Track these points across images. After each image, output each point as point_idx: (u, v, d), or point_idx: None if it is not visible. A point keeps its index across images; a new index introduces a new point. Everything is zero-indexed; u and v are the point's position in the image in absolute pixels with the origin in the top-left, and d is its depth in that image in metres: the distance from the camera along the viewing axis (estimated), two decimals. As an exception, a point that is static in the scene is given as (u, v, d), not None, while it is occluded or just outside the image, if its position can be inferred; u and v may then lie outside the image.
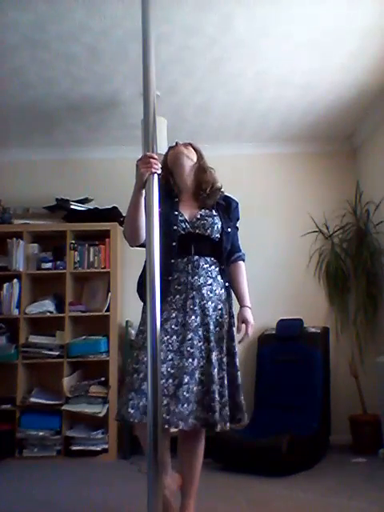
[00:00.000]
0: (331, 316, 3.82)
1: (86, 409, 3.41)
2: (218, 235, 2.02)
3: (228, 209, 2.13)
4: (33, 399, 3.45)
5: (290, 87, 3.36)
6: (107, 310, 3.63)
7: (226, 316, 2.03)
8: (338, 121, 3.85)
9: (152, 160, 1.71)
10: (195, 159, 2.15)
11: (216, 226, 2.02)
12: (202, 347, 1.87)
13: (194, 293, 1.92)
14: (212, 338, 1.90)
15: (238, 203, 2.19)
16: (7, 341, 3.61)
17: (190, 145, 2.19)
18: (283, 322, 3.74)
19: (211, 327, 1.92)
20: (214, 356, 1.87)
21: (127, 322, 3.68)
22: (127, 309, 3.81)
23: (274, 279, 3.96)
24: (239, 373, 1.99)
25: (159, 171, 1.73)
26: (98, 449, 3.38)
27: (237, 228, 2.18)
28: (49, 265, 3.72)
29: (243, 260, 2.27)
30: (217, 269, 2.04)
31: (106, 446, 3.39)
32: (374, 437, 3.26)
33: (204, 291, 1.95)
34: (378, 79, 3.26)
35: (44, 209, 3.85)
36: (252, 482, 2.70)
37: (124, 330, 3.66)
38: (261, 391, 3.63)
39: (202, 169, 2.15)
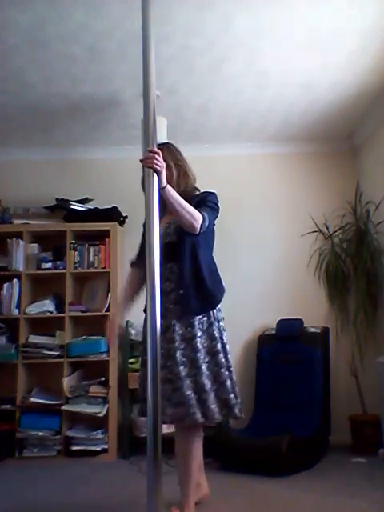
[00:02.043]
0: (331, 316, 3.82)
1: (86, 409, 3.41)
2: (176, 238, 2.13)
3: (199, 202, 2.16)
4: (33, 399, 3.45)
5: (290, 87, 3.36)
6: (107, 310, 3.63)
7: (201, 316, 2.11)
8: (338, 121, 3.85)
9: (151, 154, 1.72)
10: (172, 164, 2.17)
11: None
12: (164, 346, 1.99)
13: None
14: (176, 338, 2.04)
15: (208, 192, 2.23)
16: (7, 341, 3.61)
17: (166, 147, 2.18)
18: (283, 321, 3.74)
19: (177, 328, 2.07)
20: (178, 354, 2.01)
21: (127, 322, 3.67)
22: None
23: (273, 279, 3.96)
24: (224, 370, 2.06)
25: (159, 167, 1.74)
26: (98, 449, 3.38)
27: (208, 207, 2.16)
28: (49, 265, 3.72)
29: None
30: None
31: (105, 446, 3.39)
32: (374, 437, 3.26)
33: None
34: (378, 79, 3.26)
35: (44, 209, 3.85)
36: (252, 482, 2.70)
37: (124, 330, 3.66)
38: (261, 391, 3.63)
39: (178, 176, 2.19)
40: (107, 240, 3.73)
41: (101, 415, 3.40)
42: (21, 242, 3.69)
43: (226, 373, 2.06)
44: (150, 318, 1.61)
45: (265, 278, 3.97)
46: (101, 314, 3.63)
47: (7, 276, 3.66)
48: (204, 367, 2.01)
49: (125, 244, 3.91)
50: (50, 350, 3.54)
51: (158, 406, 1.57)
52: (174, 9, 2.56)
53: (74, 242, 3.73)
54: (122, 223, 3.90)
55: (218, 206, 2.21)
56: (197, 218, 2.02)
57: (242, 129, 3.95)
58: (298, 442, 2.97)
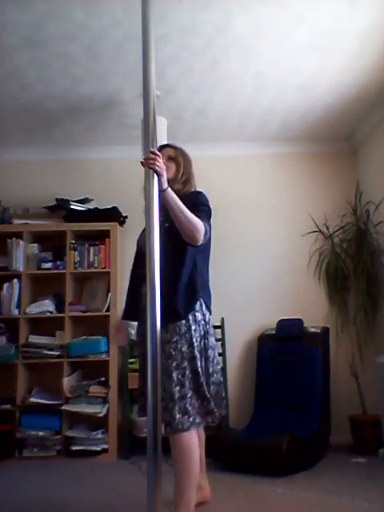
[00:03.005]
0: (331, 316, 3.82)
1: (86, 409, 3.41)
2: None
3: (193, 205, 2.05)
4: (33, 399, 3.45)
5: (290, 88, 3.36)
6: (107, 310, 3.63)
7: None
8: (338, 121, 3.85)
9: (151, 156, 1.74)
10: (173, 169, 2.17)
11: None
12: None
13: None
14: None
15: (198, 192, 2.17)
16: (7, 341, 3.61)
17: (180, 150, 2.23)
18: (283, 321, 3.74)
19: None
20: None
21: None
22: (127, 309, 3.80)
23: (274, 279, 3.96)
24: (200, 377, 1.96)
25: (158, 169, 1.75)
26: (98, 449, 3.38)
27: (203, 212, 2.07)
28: (49, 265, 3.72)
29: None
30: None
31: (105, 446, 3.39)
32: (374, 437, 3.26)
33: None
34: (378, 80, 3.26)
35: (44, 209, 3.85)
36: (252, 482, 2.70)
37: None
38: (261, 391, 3.63)
39: (181, 177, 2.18)
40: (107, 240, 3.73)
41: (101, 415, 3.40)
42: (21, 242, 3.69)
43: (203, 379, 1.96)
44: (149, 317, 1.61)
45: (265, 277, 3.97)
46: (101, 313, 3.63)
47: (7, 276, 3.66)
48: (174, 375, 1.93)
49: (125, 244, 3.91)
50: (50, 350, 3.54)
51: (158, 406, 1.57)
52: (173, 9, 2.56)
53: (74, 242, 3.73)
54: (122, 223, 3.90)
55: (210, 209, 2.13)
56: (199, 228, 1.96)
57: (241, 129, 3.95)
58: (298, 441, 2.97)
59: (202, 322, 2.04)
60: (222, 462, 3.07)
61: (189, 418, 1.91)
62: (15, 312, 3.61)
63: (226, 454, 3.10)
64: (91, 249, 3.73)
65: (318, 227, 3.96)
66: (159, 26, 2.63)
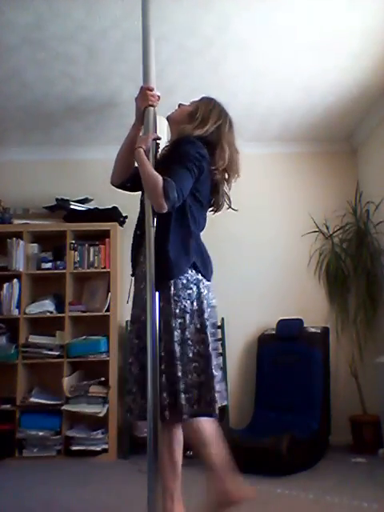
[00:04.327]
0: (331, 316, 3.81)
1: (86, 409, 3.41)
2: None
3: (171, 154, 1.80)
4: (33, 399, 3.45)
5: (290, 88, 3.35)
6: (107, 310, 3.63)
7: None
8: (338, 121, 3.85)
9: (148, 92, 1.76)
10: (186, 110, 1.97)
11: None
12: None
13: None
14: None
15: (184, 141, 1.80)
16: (7, 341, 3.61)
17: (200, 100, 2.02)
18: (283, 321, 3.74)
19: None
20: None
21: (127, 321, 3.67)
22: (127, 309, 3.78)
23: (274, 279, 3.96)
24: (167, 361, 1.64)
25: (156, 104, 1.78)
26: (98, 449, 3.38)
27: (181, 165, 1.71)
28: (49, 265, 3.72)
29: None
30: None
31: (105, 446, 3.39)
32: (374, 437, 3.26)
33: None
34: (378, 80, 3.26)
35: (44, 209, 3.85)
36: (252, 482, 2.69)
37: (124, 330, 3.66)
38: (261, 391, 3.62)
39: (195, 124, 1.87)
40: (107, 240, 3.73)
41: (101, 415, 3.40)
42: (21, 242, 3.69)
43: (164, 366, 1.62)
44: (149, 318, 1.61)
45: (265, 277, 3.97)
46: (101, 314, 3.63)
47: (7, 276, 3.66)
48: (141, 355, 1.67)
49: (125, 244, 3.90)
50: (50, 350, 3.54)
51: (158, 406, 1.57)
52: (173, 9, 2.56)
53: (74, 242, 3.73)
54: (122, 223, 3.90)
55: (192, 160, 1.69)
56: (157, 193, 1.60)
57: (241, 129, 3.93)
58: (298, 442, 2.96)
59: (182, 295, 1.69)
60: (221, 462, 3.06)
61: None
62: (15, 312, 3.61)
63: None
64: (91, 249, 3.73)
65: (318, 227, 3.96)
66: (159, 26, 2.63)
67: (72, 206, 3.78)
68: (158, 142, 1.82)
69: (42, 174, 4.13)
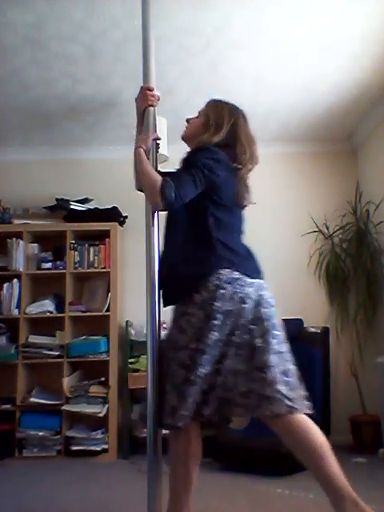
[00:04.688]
0: (331, 316, 3.81)
1: (86, 409, 3.41)
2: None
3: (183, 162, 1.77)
4: (33, 399, 3.45)
5: (290, 88, 3.35)
6: (107, 310, 3.63)
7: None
8: (339, 121, 3.85)
9: (148, 92, 1.76)
10: (199, 122, 1.89)
11: None
12: None
13: None
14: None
15: (198, 149, 1.77)
16: (7, 341, 3.61)
17: (210, 103, 1.96)
18: (283, 321, 3.72)
19: None
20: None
21: (127, 322, 3.68)
22: (127, 309, 3.81)
23: (273, 279, 3.92)
24: (172, 369, 1.60)
25: (156, 103, 1.78)
26: (98, 449, 3.38)
27: (184, 169, 1.71)
28: (49, 265, 3.72)
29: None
30: None
31: (105, 446, 3.39)
32: (374, 437, 3.26)
33: None
34: (379, 80, 3.26)
35: (44, 209, 3.85)
36: (252, 482, 2.70)
37: (124, 330, 3.66)
38: (261, 391, 3.62)
39: (210, 133, 1.82)
40: (107, 240, 3.73)
41: (101, 415, 3.40)
42: (21, 242, 3.69)
43: (168, 376, 1.59)
44: (149, 318, 1.61)
45: (265, 277, 3.96)
46: (101, 314, 3.63)
47: (7, 276, 3.66)
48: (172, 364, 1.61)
49: (125, 244, 3.91)
50: (50, 350, 3.54)
51: (158, 406, 1.57)
52: (173, 9, 2.56)
53: (74, 241, 3.73)
54: (122, 223, 3.90)
55: (204, 167, 1.66)
56: (152, 191, 1.61)
57: (241, 129, 3.95)
58: (297, 441, 2.96)
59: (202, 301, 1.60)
60: (222, 462, 3.07)
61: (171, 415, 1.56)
62: (15, 312, 3.61)
63: (225, 454, 3.10)
64: (91, 249, 3.73)
65: (318, 227, 3.96)
66: (159, 26, 2.63)
67: (72, 206, 3.78)
68: (157, 141, 1.82)
69: (42, 174, 4.13)
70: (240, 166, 1.79)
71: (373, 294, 3.61)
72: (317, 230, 3.96)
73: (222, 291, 1.59)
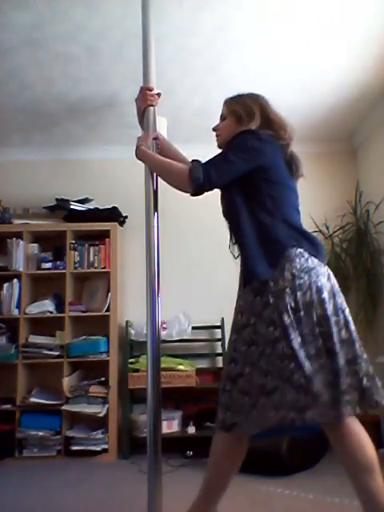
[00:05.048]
0: (331, 316, 3.81)
1: (86, 409, 3.41)
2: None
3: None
4: (33, 399, 3.45)
5: (290, 88, 3.36)
6: (107, 310, 3.63)
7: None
8: (339, 121, 3.85)
9: (148, 92, 1.76)
10: (231, 122, 1.80)
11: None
12: None
13: None
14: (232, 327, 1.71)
15: (238, 134, 1.71)
16: (7, 341, 3.61)
17: (230, 99, 1.89)
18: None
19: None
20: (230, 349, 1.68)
21: (127, 322, 3.68)
22: (127, 309, 3.81)
23: (273, 279, 3.95)
24: (288, 363, 1.48)
25: (155, 103, 1.78)
26: (98, 449, 3.38)
27: (218, 156, 1.67)
28: (49, 265, 3.72)
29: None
30: None
31: (106, 446, 3.39)
32: (374, 437, 3.24)
33: None
34: (379, 80, 3.26)
35: (44, 209, 3.85)
36: (252, 482, 2.70)
37: (124, 330, 3.66)
38: (261, 391, 3.62)
39: (247, 125, 1.75)
40: (107, 240, 3.73)
41: (101, 415, 3.40)
42: (21, 242, 3.69)
43: (291, 366, 1.44)
44: (149, 318, 1.61)
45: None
46: (101, 314, 3.63)
47: (7, 276, 3.66)
48: (262, 362, 1.50)
49: (125, 244, 3.91)
50: (50, 350, 3.54)
51: (159, 406, 1.57)
52: (173, 9, 2.56)
53: (74, 241, 3.73)
54: (122, 223, 3.90)
55: (241, 150, 1.60)
56: (178, 174, 1.60)
57: (241, 129, 3.95)
58: (297, 442, 2.96)
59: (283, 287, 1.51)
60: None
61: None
62: (15, 312, 3.61)
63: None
64: (91, 249, 3.73)
65: (318, 227, 3.96)
66: (159, 26, 2.63)
67: (72, 206, 3.78)
68: (157, 141, 1.82)
69: (42, 174, 4.14)
70: (284, 141, 1.75)
71: (373, 294, 3.61)
72: (317, 230, 3.96)
73: (299, 281, 1.53)
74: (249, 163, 1.61)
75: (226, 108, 1.87)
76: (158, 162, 1.70)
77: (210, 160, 1.61)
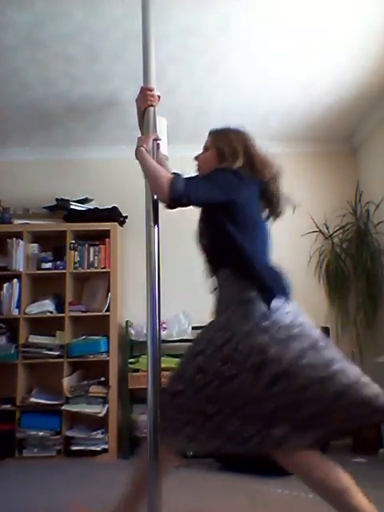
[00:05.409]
0: (331, 316, 3.81)
1: (86, 409, 3.41)
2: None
3: None
4: (33, 399, 3.45)
5: (290, 88, 3.36)
6: (107, 310, 3.63)
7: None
8: (338, 121, 3.85)
9: (148, 93, 1.76)
10: (212, 156, 1.80)
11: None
12: None
13: None
14: None
15: (216, 169, 1.73)
16: (7, 341, 3.61)
17: (214, 132, 1.87)
18: (283, 321, 3.73)
19: None
20: None
21: (127, 322, 3.68)
22: (127, 309, 3.81)
23: (273, 279, 3.96)
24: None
25: (156, 104, 1.78)
26: (98, 449, 3.38)
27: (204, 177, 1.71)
28: (49, 265, 3.72)
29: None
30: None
31: (105, 446, 3.39)
32: (374, 437, 3.26)
33: None
34: (378, 80, 3.26)
35: (44, 209, 3.85)
36: (252, 482, 2.70)
37: (124, 330, 3.66)
38: (261, 391, 3.62)
39: (230, 161, 1.75)
40: (107, 240, 3.73)
41: (101, 415, 3.40)
42: (21, 242, 3.69)
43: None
44: (150, 318, 1.61)
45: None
46: (101, 314, 3.63)
47: (7, 276, 3.66)
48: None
49: (125, 244, 3.91)
50: (50, 350, 3.54)
51: (158, 406, 1.57)
52: (173, 9, 2.56)
53: (74, 241, 3.73)
54: (121, 223, 3.90)
55: (229, 180, 1.64)
56: (160, 183, 1.57)
57: (241, 129, 3.95)
58: (297, 442, 2.96)
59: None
60: (222, 462, 3.07)
61: None
62: (15, 312, 3.61)
63: (226, 454, 3.09)
64: (91, 249, 3.73)
65: (318, 227, 3.96)
66: (159, 26, 2.63)
67: (72, 206, 3.78)
68: (157, 142, 1.82)
69: (42, 174, 4.13)
70: (267, 179, 1.78)
71: (373, 294, 3.61)
72: (317, 230, 3.96)
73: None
74: (225, 195, 1.62)
75: (210, 141, 1.85)
76: (150, 166, 1.67)
77: (192, 177, 1.64)
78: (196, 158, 1.85)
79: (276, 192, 1.85)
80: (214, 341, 1.56)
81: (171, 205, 1.59)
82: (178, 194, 1.54)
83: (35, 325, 3.72)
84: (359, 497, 1.54)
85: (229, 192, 1.63)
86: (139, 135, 1.94)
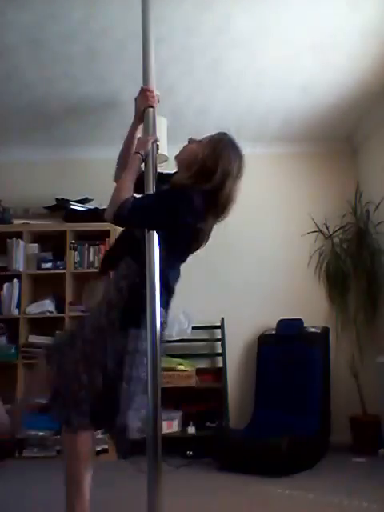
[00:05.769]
0: (331, 316, 3.81)
1: (86, 409, 3.40)
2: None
3: None
4: (33, 399, 3.44)
5: (290, 88, 3.36)
6: (107, 310, 3.62)
7: None
8: (338, 121, 3.85)
9: (148, 93, 1.76)
10: (191, 151, 1.79)
11: None
12: None
13: None
14: None
15: (178, 189, 1.70)
16: (7, 341, 3.61)
17: (209, 139, 1.82)
18: (283, 321, 3.74)
19: None
20: None
21: (127, 322, 3.67)
22: (127, 309, 3.80)
23: (273, 279, 3.96)
24: None
25: (155, 105, 1.77)
26: (98, 449, 3.37)
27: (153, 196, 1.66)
28: (49, 265, 3.72)
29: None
30: None
31: (106, 446, 3.39)
32: (374, 437, 3.26)
33: None
34: (378, 80, 3.26)
35: (44, 209, 3.85)
36: (252, 482, 2.70)
37: (124, 330, 3.66)
38: (261, 391, 3.62)
39: (192, 170, 1.75)
40: (107, 240, 3.73)
41: (101, 415, 3.39)
42: (21, 242, 3.69)
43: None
44: (149, 318, 1.61)
45: (265, 277, 3.96)
46: (101, 314, 3.62)
47: (7, 276, 3.66)
48: None
49: (125, 244, 3.90)
50: (50, 350, 3.53)
51: (158, 406, 1.57)
52: (173, 9, 2.56)
53: (74, 242, 3.73)
54: (121, 223, 3.89)
55: (176, 209, 1.60)
56: (116, 199, 1.60)
57: (241, 129, 3.94)
58: (298, 442, 2.97)
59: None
60: (222, 461, 3.07)
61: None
62: (15, 312, 3.61)
63: (225, 454, 3.10)
64: (91, 249, 3.74)
65: (317, 227, 3.96)
66: (159, 26, 2.63)
67: (72, 206, 3.78)
68: (157, 144, 1.81)
69: (42, 174, 4.13)
70: (217, 218, 1.78)
71: (373, 294, 3.61)
72: (317, 230, 3.96)
73: None
74: (174, 220, 1.62)
75: (208, 140, 1.79)
76: (124, 180, 1.66)
77: (143, 202, 1.62)
78: (190, 141, 1.83)
79: (211, 229, 1.79)
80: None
81: (114, 223, 1.67)
82: (121, 218, 1.60)
83: (35, 325, 3.72)
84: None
85: (177, 218, 1.62)
86: (139, 136, 1.93)
